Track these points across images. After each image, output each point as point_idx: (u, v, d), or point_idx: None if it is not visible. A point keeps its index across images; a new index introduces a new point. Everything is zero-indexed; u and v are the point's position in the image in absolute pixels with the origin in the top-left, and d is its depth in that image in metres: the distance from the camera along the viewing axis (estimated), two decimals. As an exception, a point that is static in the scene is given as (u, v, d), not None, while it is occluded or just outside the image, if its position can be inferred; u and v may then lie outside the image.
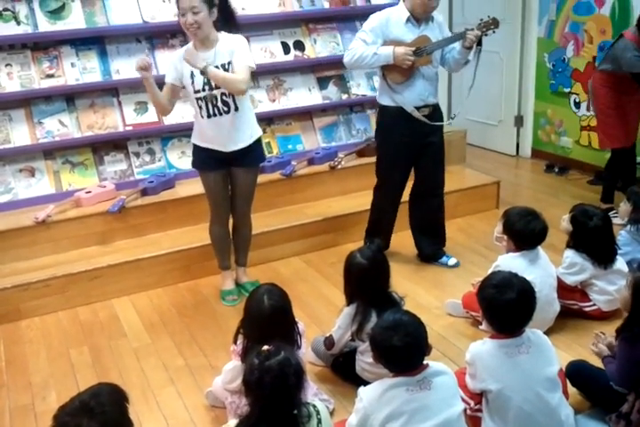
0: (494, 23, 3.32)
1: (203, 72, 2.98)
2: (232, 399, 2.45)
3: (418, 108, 3.44)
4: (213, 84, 3.06)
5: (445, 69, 3.62)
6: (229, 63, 3.08)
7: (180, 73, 3.10)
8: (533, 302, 2.29)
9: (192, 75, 3.07)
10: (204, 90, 3.08)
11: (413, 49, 3.32)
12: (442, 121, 3.60)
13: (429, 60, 3.37)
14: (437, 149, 3.62)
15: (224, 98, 3.10)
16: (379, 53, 3.33)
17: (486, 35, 3.34)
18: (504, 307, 2.25)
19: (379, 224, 3.78)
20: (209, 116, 3.12)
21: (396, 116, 3.46)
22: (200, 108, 3.12)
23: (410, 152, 3.54)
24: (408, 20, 3.36)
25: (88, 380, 2.79)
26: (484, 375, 2.23)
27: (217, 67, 3.04)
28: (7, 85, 3.83)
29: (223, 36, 3.11)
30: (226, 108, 3.12)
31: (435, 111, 3.53)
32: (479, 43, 3.35)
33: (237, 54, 3.06)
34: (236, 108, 3.13)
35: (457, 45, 3.40)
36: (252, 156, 3.30)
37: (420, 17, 3.36)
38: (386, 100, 3.50)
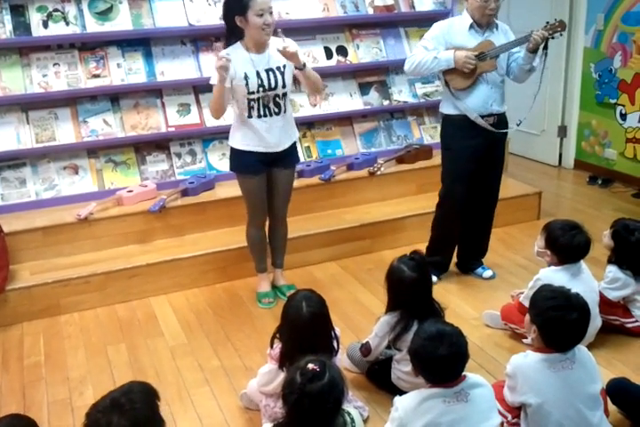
0: (561, 26, 3.18)
1: (301, 68, 3.07)
2: (266, 402, 2.44)
3: (482, 117, 3.31)
4: (267, 86, 3.09)
5: (511, 79, 3.45)
6: (284, 66, 3.11)
7: (232, 74, 3.04)
8: (589, 319, 2.25)
9: (246, 76, 3.06)
10: (257, 91, 3.09)
11: (476, 53, 3.22)
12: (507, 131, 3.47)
13: (493, 64, 3.25)
14: (499, 162, 3.52)
15: (277, 100, 3.14)
16: (439, 57, 3.26)
17: (553, 37, 3.20)
18: (565, 326, 2.19)
19: (442, 242, 3.61)
20: (259, 117, 3.13)
21: (460, 125, 3.35)
22: (251, 108, 3.11)
23: (474, 164, 3.40)
24: (471, 26, 3.29)
25: (124, 377, 2.82)
26: (525, 389, 2.19)
27: (272, 69, 3.08)
28: (54, 84, 3.90)
29: (272, 39, 3.12)
30: (277, 110, 3.15)
31: (500, 121, 3.40)
32: (545, 46, 3.22)
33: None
34: (285, 110, 3.18)
35: (521, 53, 3.28)
36: (292, 156, 3.35)
37: (481, 22, 3.27)
38: (449, 109, 3.39)
